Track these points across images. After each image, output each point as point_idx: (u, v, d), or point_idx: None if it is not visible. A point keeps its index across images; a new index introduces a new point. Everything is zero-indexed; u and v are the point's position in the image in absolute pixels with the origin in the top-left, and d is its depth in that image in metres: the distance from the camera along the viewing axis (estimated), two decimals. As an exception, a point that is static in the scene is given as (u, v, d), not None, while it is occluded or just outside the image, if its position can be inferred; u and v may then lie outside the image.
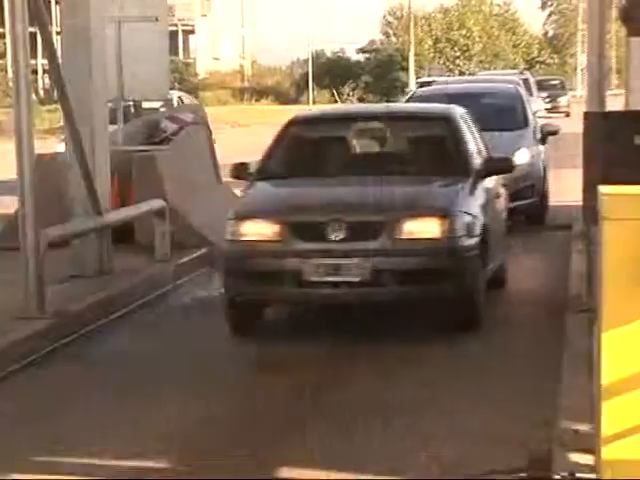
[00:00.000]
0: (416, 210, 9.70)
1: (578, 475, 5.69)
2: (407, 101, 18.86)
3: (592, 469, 5.40)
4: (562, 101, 56.49)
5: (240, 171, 11.18)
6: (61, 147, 20.92)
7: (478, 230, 9.85)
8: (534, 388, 8.05)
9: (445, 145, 11.17)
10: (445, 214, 9.62)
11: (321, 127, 11.94)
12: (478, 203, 10.22)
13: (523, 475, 6.25)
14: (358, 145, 11.46)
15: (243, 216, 9.98)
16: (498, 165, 11.25)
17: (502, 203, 11.85)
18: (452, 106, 12.19)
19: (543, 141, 17.20)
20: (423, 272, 9.45)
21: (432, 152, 11.26)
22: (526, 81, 31.93)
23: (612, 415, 4.69)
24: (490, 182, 11.05)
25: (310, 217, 9.79)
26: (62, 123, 13.04)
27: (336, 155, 11.39)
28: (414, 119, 12.09)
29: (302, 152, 11.43)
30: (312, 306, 10.76)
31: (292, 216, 9.79)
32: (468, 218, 9.81)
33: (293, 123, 11.65)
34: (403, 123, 11.82)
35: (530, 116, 17.59)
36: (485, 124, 16.09)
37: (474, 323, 9.87)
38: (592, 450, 5.42)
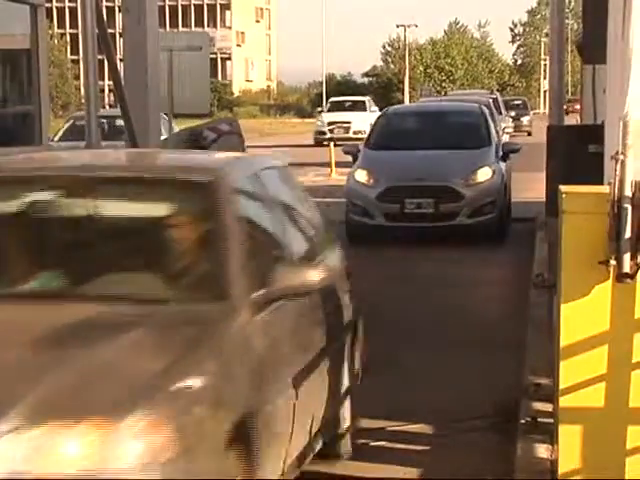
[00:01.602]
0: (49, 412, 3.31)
1: (539, 419, 5.68)
2: (377, 120, 16.04)
3: (551, 415, 5.39)
4: (524, 121, 49.93)
5: None
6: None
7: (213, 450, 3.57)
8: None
9: (198, 243, 4.53)
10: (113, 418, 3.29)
11: None
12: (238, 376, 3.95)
13: (494, 420, 6.24)
14: (21, 241, 4.70)
15: None
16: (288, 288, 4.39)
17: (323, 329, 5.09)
18: (233, 160, 5.48)
19: (505, 158, 14.87)
20: None
21: (174, 260, 4.52)
22: (495, 100, 28.80)
23: (568, 371, 4.68)
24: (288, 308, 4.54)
25: None
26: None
27: None
28: (148, 185, 4.78)
29: None
30: None
31: None
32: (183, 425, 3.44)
33: None
34: (125, 194, 4.79)
35: (493, 134, 15.15)
36: (450, 142, 14.45)
37: None
38: (551, 399, 5.40)
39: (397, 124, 15.61)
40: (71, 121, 22.11)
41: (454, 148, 14.29)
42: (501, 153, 14.80)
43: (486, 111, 15.82)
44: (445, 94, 37.05)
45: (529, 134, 46.52)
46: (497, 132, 15.81)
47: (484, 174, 13.92)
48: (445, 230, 13.46)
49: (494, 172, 14.08)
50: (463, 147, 14.39)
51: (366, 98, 48.00)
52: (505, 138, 22.86)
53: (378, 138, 15.04)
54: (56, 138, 23.36)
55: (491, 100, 24.47)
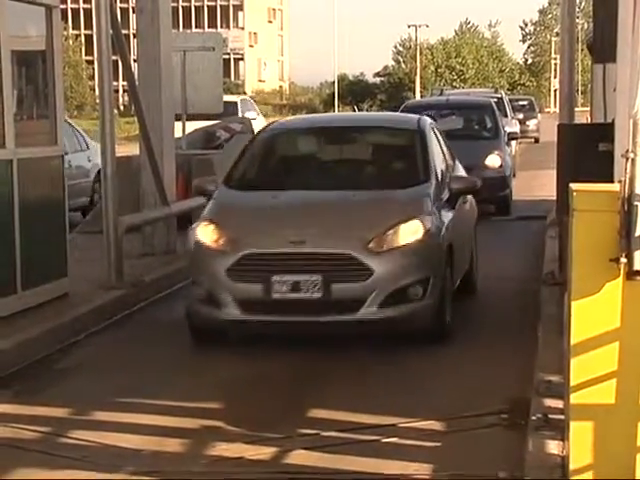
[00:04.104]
0: None
1: (550, 416, 5.68)
2: (251, 141, 9.82)
3: (561, 412, 5.39)
4: (531, 125, 40.57)
5: None
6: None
7: None
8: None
9: None
10: None
11: None
12: None
13: (505, 416, 6.23)
14: None
15: None
16: None
17: None
18: None
19: (453, 202, 8.94)
20: None
21: None
22: (500, 101, 23.20)
23: (579, 368, 4.68)
24: None
25: None
26: (138, 132, 13.04)
27: None
28: None
29: None
30: None
31: None
32: None
33: None
34: None
35: (435, 165, 8.95)
36: (361, 178, 9.09)
37: None
38: (562, 396, 5.40)
39: (282, 147, 9.83)
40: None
41: (366, 187, 8.73)
42: (446, 195, 8.89)
43: (426, 127, 9.59)
44: (441, 93, 28.52)
45: (536, 141, 40.05)
46: (450, 155, 9.95)
47: (410, 232, 8.08)
48: (341, 328, 8.02)
49: (429, 229, 8.18)
50: (382, 186, 8.76)
51: (239, 98, 30.41)
52: (512, 145, 19.88)
53: (244, 170, 9.24)
54: None
55: (494, 100, 19.96)
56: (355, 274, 7.79)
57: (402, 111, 17.28)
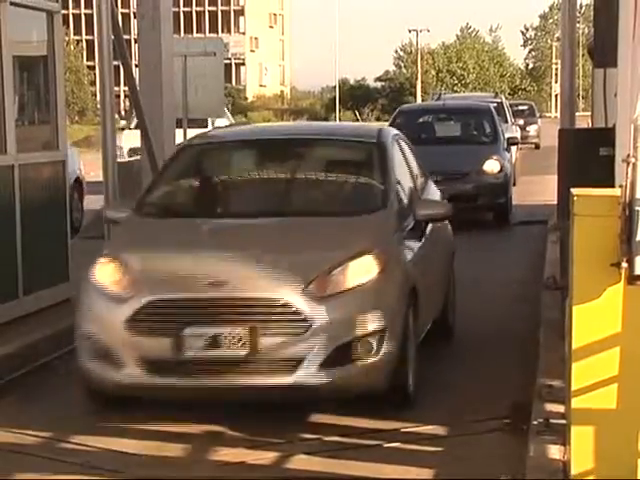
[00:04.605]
0: None
1: (552, 421, 5.68)
2: (174, 156, 8.04)
3: (563, 416, 5.39)
4: (531, 130, 39.59)
5: None
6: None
7: None
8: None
9: None
10: None
11: None
12: None
13: (507, 421, 6.24)
14: None
15: None
16: None
17: None
18: None
19: (419, 232, 7.37)
20: None
21: None
22: (500, 105, 22.52)
23: (580, 373, 4.68)
24: None
25: None
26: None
27: None
28: None
29: None
30: None
31: None
32: None
33: None
34: None
35: (397, 185, 7.26)
36: (303, 205, 7.32)
37: None
38: (563, 401, 5.40)
39: (208, 165, 8.16)
40: None
41: (310, 214, 7.07)
42: (411, 223, 7.21)
43: (387, 139, 7.84)
44: (439, 97, 27.83)
45: (537, 147, 38.88)
46: (421, 173, 8.41)
47: (361, 271, 6.37)
48: (272, 395, 6.28)
49: (386, 266, 6.45)
50: (329, 212, 7.11)
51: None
52: (512, 151, 18.76)
53: (161, 194, 7.59)
54: None
55: (494, 105, 19.22)
56: (290, 325, 6.09)
57: (396, 116, 17.06)
